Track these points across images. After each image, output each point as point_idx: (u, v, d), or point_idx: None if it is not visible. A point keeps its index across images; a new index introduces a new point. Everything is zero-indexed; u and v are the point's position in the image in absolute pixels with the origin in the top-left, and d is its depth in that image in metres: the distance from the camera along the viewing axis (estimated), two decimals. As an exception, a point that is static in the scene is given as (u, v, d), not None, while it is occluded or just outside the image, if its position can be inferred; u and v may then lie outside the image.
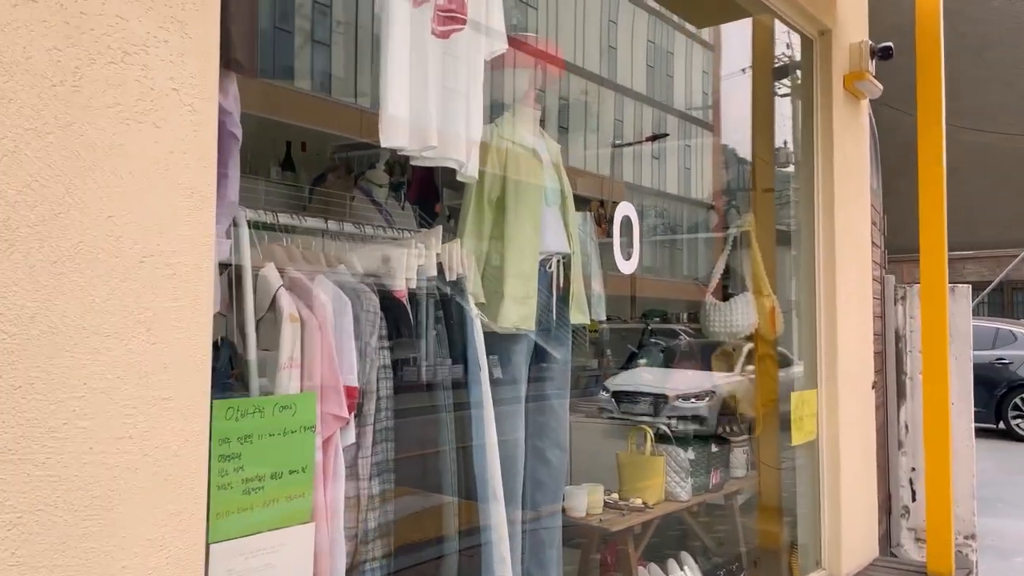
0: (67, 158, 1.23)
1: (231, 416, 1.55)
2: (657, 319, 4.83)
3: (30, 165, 1.19)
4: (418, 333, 2.15)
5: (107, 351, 1.28)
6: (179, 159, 1.38)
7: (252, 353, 1.84)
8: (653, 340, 4.82)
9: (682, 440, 3.60)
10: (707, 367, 4.47)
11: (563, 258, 2.81)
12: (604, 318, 3.03)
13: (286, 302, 1.84)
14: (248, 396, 1.76)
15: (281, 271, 1.92)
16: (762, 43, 4.57)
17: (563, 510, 3.03)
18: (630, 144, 5.24)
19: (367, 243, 2.25)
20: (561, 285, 2.79)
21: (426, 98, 2.03)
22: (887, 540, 5.64)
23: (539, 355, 2.82)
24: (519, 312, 2.63)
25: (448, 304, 2.21)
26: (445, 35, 2.13)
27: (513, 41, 2.67)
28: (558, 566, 2.91)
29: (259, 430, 1.60)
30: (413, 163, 2.11)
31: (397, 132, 1.95)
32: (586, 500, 3.12)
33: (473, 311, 2.32)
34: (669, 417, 3.95)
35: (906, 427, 5.67)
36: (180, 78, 1.38)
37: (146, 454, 1.32)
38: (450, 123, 2.13)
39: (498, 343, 2.67)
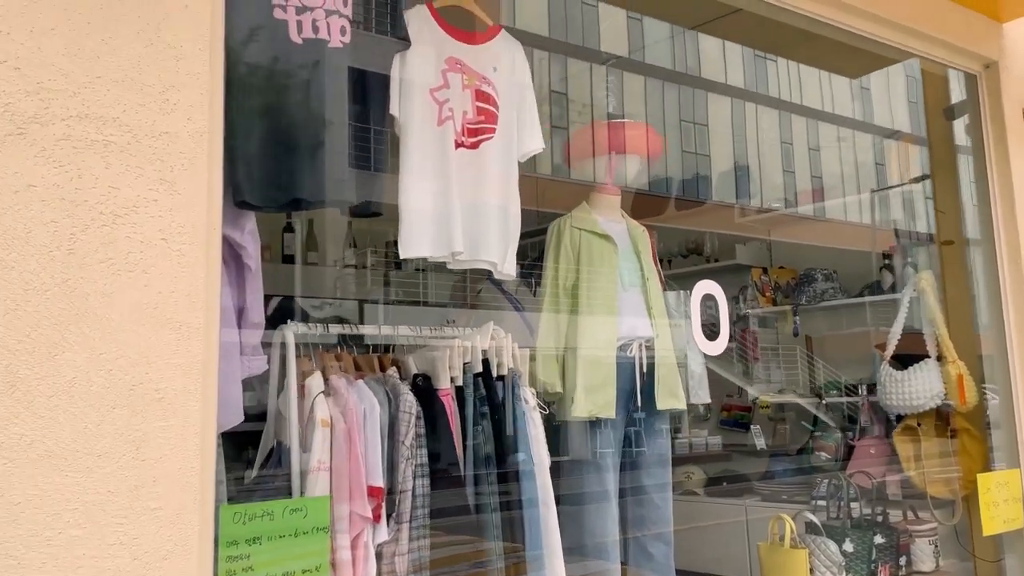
0: (63, 309, 1.50)
1: (238, 520, 1.72)
2: (834, 392, 4.42)
3: (29, 318, 1.47)
4: (464, 431, 2.21)
5: (99, 469, 1.50)
6: (167, 298, 1.61)
7: (295, 459, 2.02)
8: (829, 415, 4.41)
9: (836, 530, 3.25)
10: (889, 444, 4.00)
11: (647, 342, 2.75)
12: (707, 400, 2.88)
13: (320, 408, 2.02)
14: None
15: (327, 378, 2.11)
16: (932, 85, 4.17)
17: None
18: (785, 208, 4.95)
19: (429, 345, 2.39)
20: (644, 370, 2.71)
21: (450, 207, 2.15)
22: None
23: (631, 443, 2.75)
24: (595, 400, 2.60)
25: (494, 400, 2.26)
26: (475, 146, 2.25)
27: (588, 129, 2.73)
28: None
29: (269, 532, 1.75)
30: (449, 267, 2.23)
31: (416, 244, 2.08)
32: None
33: (528, 405, 2.34)
34: (817, 499, 3.57)
35: None
36: (169, 229, 1.63)
37: (136, 558, 1.51)
38: (481, 227, 2.22)
39: (580, 433, 2.66)
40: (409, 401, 2.12)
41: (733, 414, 5.06)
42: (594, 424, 2.63)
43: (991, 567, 3.77)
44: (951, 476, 3.83)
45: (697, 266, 5.00)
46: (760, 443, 4.70)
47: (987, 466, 3.71)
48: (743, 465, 4.92)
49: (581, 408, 2.58)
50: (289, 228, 4.97)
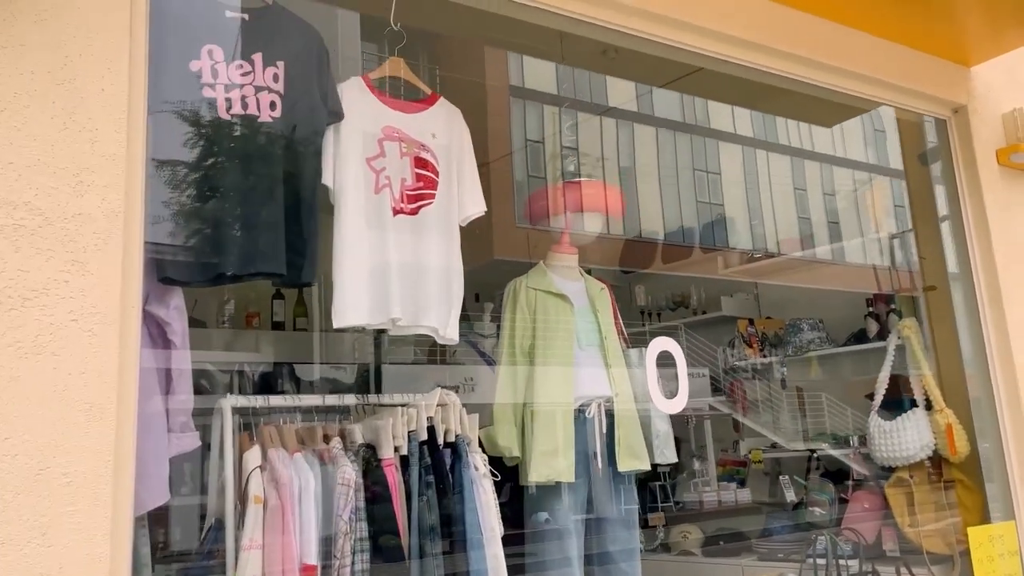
0: (-34, 395, 1.50)
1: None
2: (825, 445, 4.31)
3: (-70, 406, 1.47)
4: (408, 502, 2.16)
5: (2, 557, 1.48)
6: (77, 379, 1.60)
7: (230, 536, 1.98)
8: (821, 471, 4.29)
9: (823, 591, 3.13)
10: (883, 497, 3.87)
11: (606, 401, 2.70)
12: (673, 460, 2.81)
13: (254, 484, 1.99)
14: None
15: (265, 452, 2.08)
16: (907, 131, 4.16)
17: None
18: (770, 256, 4.91)
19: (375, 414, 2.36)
20: (604, 430, 2.66)
21: (387, 273, 2.15)
22: None
23: (593, 507, 2.68)
24: (553, 465, 2.55)
25: (440, 469, 2.22)
26: (414, 212, 2.25)
27: (545, 191, 2.74)
28: None
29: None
30: (390, 334, 2.21)
31: (352, 312, 2.07)
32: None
33: (478, 472, 2.29)
34: (812, 556, 3.44)
35: None
36: (80, 310, 1.63)
37: (40, 645, 1.48)
38: (421, 292, 2.21)
39: (540, 498, 2.60)
40: (347, 474, 2.08)
41: (728, 470, 4.94)
42: (554, 489, 2.57)
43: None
44: (948, 529, 3.69)
45: (684, 319, 4.95)
46: (790, 495, 4.55)
47: (984, 518, 3.58)
48: (741, 523, 4.79)
49: (539, 473, 2.53)
50: (279, 295, 5.00)
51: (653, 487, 4.88)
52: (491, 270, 3.44)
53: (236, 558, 1.92)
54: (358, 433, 2.25)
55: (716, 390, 4.60)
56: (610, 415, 2.69)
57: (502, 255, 3.95)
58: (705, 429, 5.14)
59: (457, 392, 2.44)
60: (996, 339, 3.56)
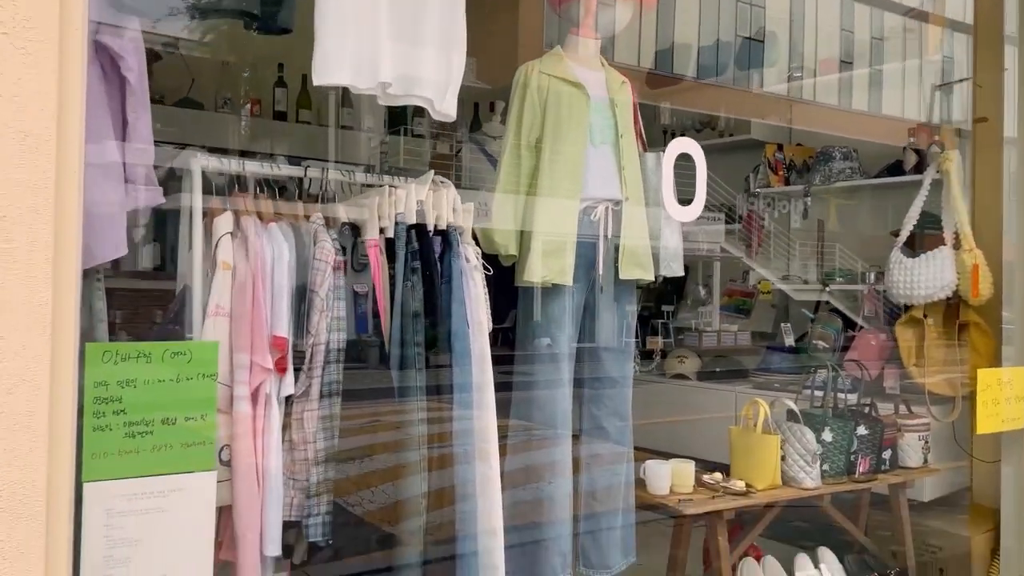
0: None
1: (108, 360, 1.56)
2: (840, 280, 4.14)
3: None
4: (392, 287, 2.02)
5: (-71, 291, 1.34)
6: (9, 104, 1.39)
7: (196, 303, 1.85)
8: (831, 305, 4.15)
9: (817, 419, 3.07)
10: (891, 337, 3.76)
11: (615, 205, 2.49)
12: (680, 273, 2.64)
13: (223, 249, 1.83)
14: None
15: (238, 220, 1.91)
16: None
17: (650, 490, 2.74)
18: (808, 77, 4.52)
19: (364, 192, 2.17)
20: (609, 235, 2.47)
21: (376, 32, 1.88)
22: None
23: (590, 314, 2.55)
24: (550, 265, 2.39)
25: (428, 255, 2.05)
26: (414, -40, 1.95)
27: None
28: (623, 550, 2.64)
29: (147, 375, 1.60)
30: (380, 103, 1.98)
31: (332, 68, 1.83)
32: (669, 477, 2.78)
33: (468, 264, 2.13)
34: (808, 388, 3.37)
35: None
36: (11, 22, 1.39)
37: (-27, 391, 1.37)
38: (415, 58, 1.95)
39: (534, 299, 2.46)
40: (326, 249, 1.92)
41: (735, 300, 4.83)
42: (549, 291, 2.43)
43: (986, 469, 3.59)
44: (954, 372, 3.60)
45: (709, 140, 4.65)
46: (789, 340, 4.46)
47: (995, 364, 3.46)
48: (739, 353, 4.73)
49: (535, 273, 2.37)
50: (281, 83, 4.72)
51: (655, 324, 4.81)
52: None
53: (202, 324, 1.80)
54: (341, 211, 2.07)
55: (730, 219, 4.37)
56: (617, 220, 2.49)
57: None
58: (714, 270, 5.00)
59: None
60: (1044, 177, 3.29)
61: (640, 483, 2.75)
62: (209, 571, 1.66)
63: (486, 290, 2.21)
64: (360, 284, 2.07)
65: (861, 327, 3.96)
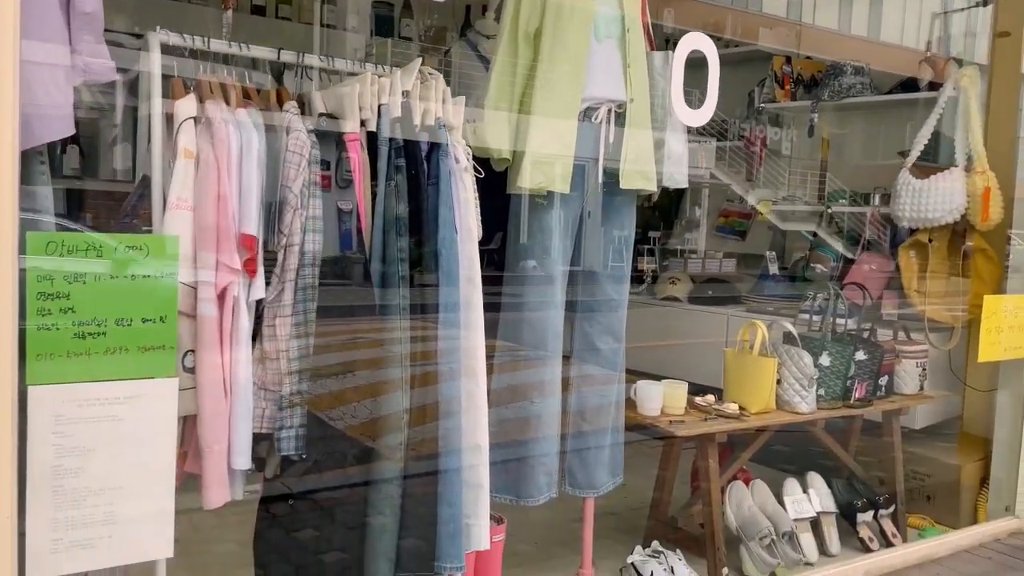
0: None
1: (53, 251, 1.40)
2: (843, 201, 3.99)
3: None
4: (374, 186, 1.85)
5: None
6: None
7: (156, 194, 1.68)
8: (833, 227, 4.01)
9: (815, 342, 2.96)
10: (892, 262, 3.63)
11: (618, 107, 2.31)
12: (684, 185, 2.48)
13: (185, 136, 1.65)
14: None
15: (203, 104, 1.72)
16: None
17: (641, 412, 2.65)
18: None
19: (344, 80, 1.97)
20: (611, 140, 2.30)
21: None
22: None
23: (587, 226, 2.39)
24: (547, 172, 2.22)
25: (414, 153, 1.88)
26: None
27: None
28: (611, 470, 2.56)
29: (97, 270, 1.44)
30: None
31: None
32: (660, 398, 2.68)
33: (458, 164, 1.96)
34: (805, 312, 3.26)
35: None
36: None
37: None
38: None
39: (527, 210, 2.30)
40: (300, 140, 1.74)
41: (731, 221, 4.68)
42: (543, 201, 2.27)
43: (980, 398, 3.53)
44: (956, 299, 3.49)
45: (713, 52, 4.41)
46: (774, 269, 4.33)
47: (998, 292, 3.36)
48: (734, 276, 4.61)
49: (530, 179, 2.20)
50: (256, -26, 4.41)
51: (643, 249, 4.68)
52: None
53: (162, 218, 1.63)
54: (319, 100, 1.88)
55: (721, 142, 4.18)
56: (620, 124, 2.31)
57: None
58: (702, 197, 4.83)
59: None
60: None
61: (630, 404, 2.66)
62: (171, 484, 1.54)
63: (477, 195, 2.04)
64: (345, 201, 1.91)
65: (862, 251, 3.83)
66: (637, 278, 4.70)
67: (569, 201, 2.33)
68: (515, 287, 2.36)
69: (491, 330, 2.38)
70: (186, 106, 1.68)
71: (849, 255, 3.94)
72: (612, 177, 2.33)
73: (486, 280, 2.11)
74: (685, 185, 2.49)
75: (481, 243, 2.10)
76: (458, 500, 1.91)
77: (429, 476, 1.89)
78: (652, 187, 2.39)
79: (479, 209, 2.04)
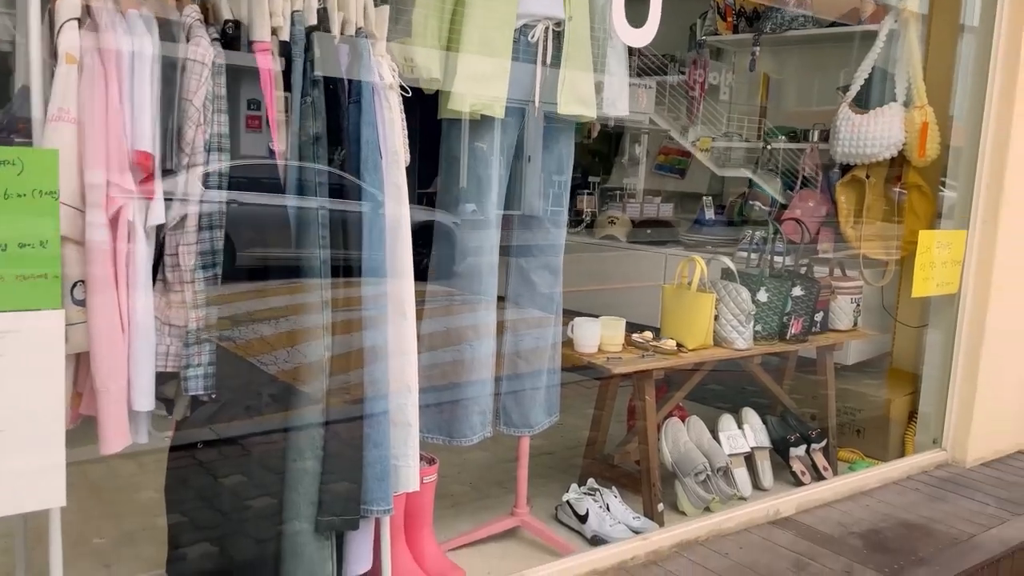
0: None
1: (-92, 166, 1.22)
2: (782, 138, 3.95)
3: None
4: (287, 102, 1.69)
5: None
6: None
7: (35, 104, 1.49)
8: (771, 162, 3.97)
9: (753, 279, 2.92)
10: (830, 199, 3.62)
11: (556, 25, 2.17)
12: (624, 113, 2.37)
13: (66, 39, 1.46)
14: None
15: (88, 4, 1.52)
16: None
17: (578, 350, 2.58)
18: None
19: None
20: (549, 62, 2.16)
21: None
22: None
23: (523, 154, 2.27)
24: (479, 93, 2.08)
25: (332, 67, 1.71)
26: None
27: None
28: (547, 409, 2.49)
29: (-39, 188, 1.27)
30: None
31: None
32: (598, 335, 2.61)
33: (382, 81, 1.80)
34: (743, 249, 3.24)
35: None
36: None
37: None
38: None
39: (459, 136, 2.16)
40: (202, 49, 1.56)
41: (671, 159, 4.61)
42: (477, 126, 2.13)
43: (910, 334, 3.57)
44: (890, 235, 3.50)
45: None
46: (710, 214, 4.27)
47: (932, 228, 3.37)
48: (673, 221, 4.56)
49: (461, 101, 2.06)
50: None
51: (581, 192, 4.59)
52: None
53: (42, 132, 1.44)
54: (224, 6, 1.69)
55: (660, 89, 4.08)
56: (558, 43, 2.18)
57: None
58: (642, 142, 4.75)
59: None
60: (1009, 23, 3.10)
61: (568, 343, 2.58)
62: (60, 426, 1.39)
63: (403, 116, 1.89)
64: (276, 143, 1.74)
65: (800, 187, 3.80)
66: (577, 219, 4.62)
67: (506, 131, 2.20)
68: (450, 213, 2.23)
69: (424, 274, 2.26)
70: (68, 6, 1.48)
71: (784, 201, 3.91)
72: (550, 104, 2.20)
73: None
74: (626, 113, 2.38)
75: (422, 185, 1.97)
76: (385, 441, 1.81)
77: (355, 419, 1.77)
78: (591, 113, 2.27)
79: (407, 132, 1.89)
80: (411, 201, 1.87)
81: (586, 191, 4.64)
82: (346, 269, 1.76)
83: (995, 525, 2.66)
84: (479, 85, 2.06)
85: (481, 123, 2.13)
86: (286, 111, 1.70)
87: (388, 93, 1.83)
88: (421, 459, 2.23)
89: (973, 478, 3.14)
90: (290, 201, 1.69)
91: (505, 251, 2.37)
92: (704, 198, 4.23)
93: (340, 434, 1.74)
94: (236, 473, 1.78)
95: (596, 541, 2.47)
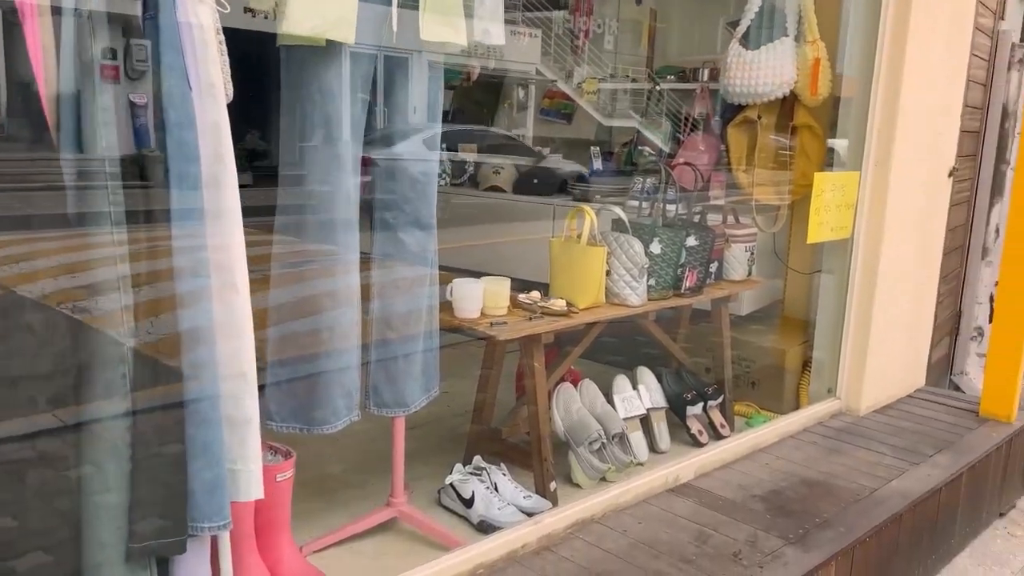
0: None
1: None
2: (671, 78, 3.74)
3: None
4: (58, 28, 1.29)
5: None
6: None
7: None
8: (660, 105, 3.76)
9: (645, 229, 2.70)
10: (721, 142, 3.44)
11: (413, -66, 1.83)
12: (499, 41, 2.06)
13: None
14: None
15: None
16: None
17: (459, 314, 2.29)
18: None
19: None
20: (406, -23, 1.82)
21: None
22: (948, 365, 4.71)
23: (380, 90, 1.93)
24: (323, 13, 1.71)
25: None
26: None
27: None
28: (424, 384, 2.20)
29: None
30: None
31: None
32: (480, 297, 2.33)
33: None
34: (634, 198, 3.03)
35: (997, 231, 4.53)
36: None
37: None
38: None
39: (301, 67, 1.80)
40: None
41: (556, 103, 4.33)
42: (322, 54, 1.77)
43: (801, 281, 3.47)
44: (782, 179, 3.36)
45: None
46: (597, 164, 4.03)
47: (824, 170, 3.25)
48: (560, 163, 4.31)
49: (300, 23, 1.69)
50: None
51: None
52: None
53: None
54: None
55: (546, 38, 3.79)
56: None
57: None
58: (529, 93, 4.47)
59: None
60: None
61: (446, 306, 2.29)
62: None
63: (222, 39, 1.51)
64: (138, 95, 1.35)
65: (691, 132, 3.61)
66: (460, 169, 4.30)
67: (358, 62, 1.85)
68: (293, 165, 1.88)
69: (267, 226, 1.91)
70: None
71: (673, 147, 3.72)
72: (412, 28, 1.86)
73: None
74: (501, 42, 2.06)
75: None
76: (216, 444, 1.47)
77: (172, 421, 1.43)
78: (460, 40, 1.95)
79: (227, 59, 1.52)
80: (238, 144, 1.51)
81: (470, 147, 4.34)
82: (151, 234, 1.40)
83: (894, 477, 2.58)
84: (321, 4, 1.70)
85: (327, 50, 1.78)
86: (56, 34, 1.31)
87: (198, 7, 1.45)
88: (275, 452, 1.91)
89: (867, 426, 3.08)
90: (64, 148, 1.30)
91: (368, 205, 2.05)
92: (592, 148, 4.00)
93: (152, 441, 1.39)
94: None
95: (483, 527, 2.22)
